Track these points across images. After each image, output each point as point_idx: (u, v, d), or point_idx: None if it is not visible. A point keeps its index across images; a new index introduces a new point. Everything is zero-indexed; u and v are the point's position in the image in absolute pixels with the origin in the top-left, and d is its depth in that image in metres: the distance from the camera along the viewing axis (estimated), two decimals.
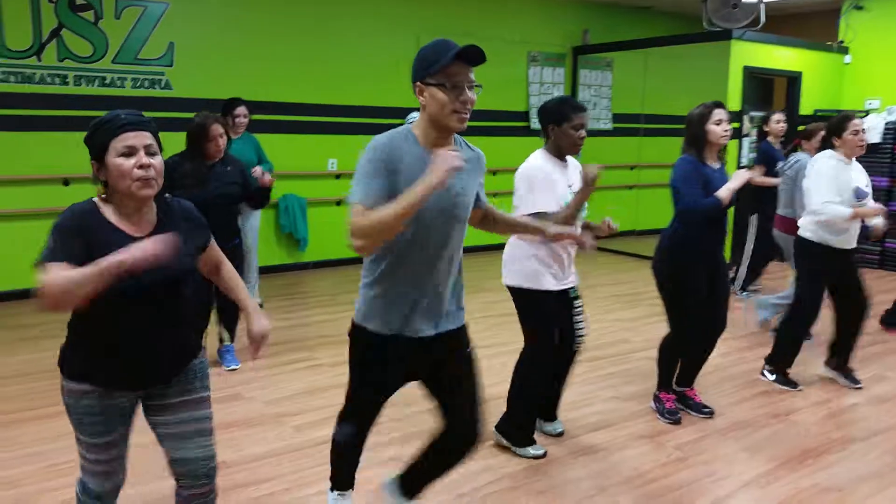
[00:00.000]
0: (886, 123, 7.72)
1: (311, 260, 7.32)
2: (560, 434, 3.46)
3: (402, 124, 6.39)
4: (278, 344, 4.86)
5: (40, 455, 3.18)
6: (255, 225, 5.56)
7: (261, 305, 5.77)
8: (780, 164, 5.46)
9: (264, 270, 6.86)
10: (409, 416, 3.63)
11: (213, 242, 2.13)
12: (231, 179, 4.02)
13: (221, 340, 4.39)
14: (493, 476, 3.07)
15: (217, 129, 3.91)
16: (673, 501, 2.90)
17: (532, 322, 3.17)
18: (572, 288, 3.22)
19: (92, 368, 1.92)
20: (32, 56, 5.75)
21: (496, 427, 3.30)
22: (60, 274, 1.65)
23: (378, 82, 7.37)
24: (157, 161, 1.84)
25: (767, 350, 4.35)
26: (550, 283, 3.10)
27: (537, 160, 3.06)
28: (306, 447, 3.31)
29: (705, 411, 3.73)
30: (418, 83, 2.03)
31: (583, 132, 3.04)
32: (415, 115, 5.76)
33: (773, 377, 4.22)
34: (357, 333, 2.24)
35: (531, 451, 3.25)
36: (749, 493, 2.98)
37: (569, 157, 3.15)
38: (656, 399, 3.75)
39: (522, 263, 3.09)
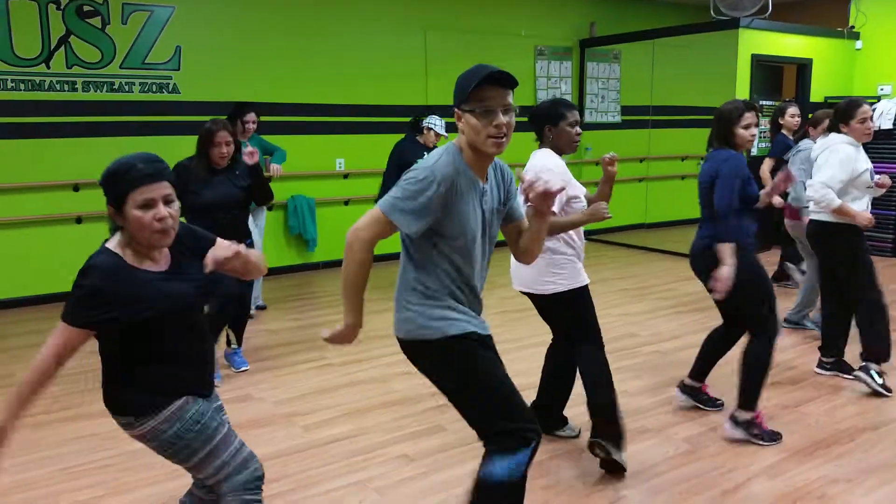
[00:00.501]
0: None
1: (320, 260, 7.36)
2: (577, 435, 3.42)
3: (409, 122, 6.33)
4: (288, 344, 4.90)
5: (57, 458, 3.24)
6: (261, 225, 5.67)
7: (263, 307, 5.83)
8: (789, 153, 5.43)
9: (274, 271, 6.93)
10: (419, 413, 3.65)
11: (217, 246, 2.13)
12: (238, 183, 4.05)
13: (229, 343, 4.42)
14: None
15: (223, 136, 3.94)
16: (679, 494, 2.89)
17: (582, 322, 3.11)
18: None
19: (167, 383, 1.96)
20: (41, 63, 5.82)
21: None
22: (29, 378, 1.88)
23: (385, 80, 7.39)
24: (175, 209, 1.89)
25: (779, 341, 4.32)
26: (586, 277, 3.13)
27: (552, 157, 3.04)
28: (314, 447, 3.34)
29: (718, 404, 3.73)
30: (456, 110, 2.07)
31: (578, 129, 3.07)
32: (432, 119, 5.77)
33: (872, 371, 3.98)
34: (443, 347, 2.09)
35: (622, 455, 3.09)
36: (757, 484, 2.97)
37: None
38: (749, 424, 3.36)
39: (563, 267, 3.05)
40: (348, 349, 4.70)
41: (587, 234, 9.00)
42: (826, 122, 4.85)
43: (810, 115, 6.04)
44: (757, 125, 3.34)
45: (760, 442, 3.32)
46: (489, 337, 2.20)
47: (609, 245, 8.76)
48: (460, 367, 2.10)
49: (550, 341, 3.36)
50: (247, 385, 4.13)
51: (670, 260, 7.67)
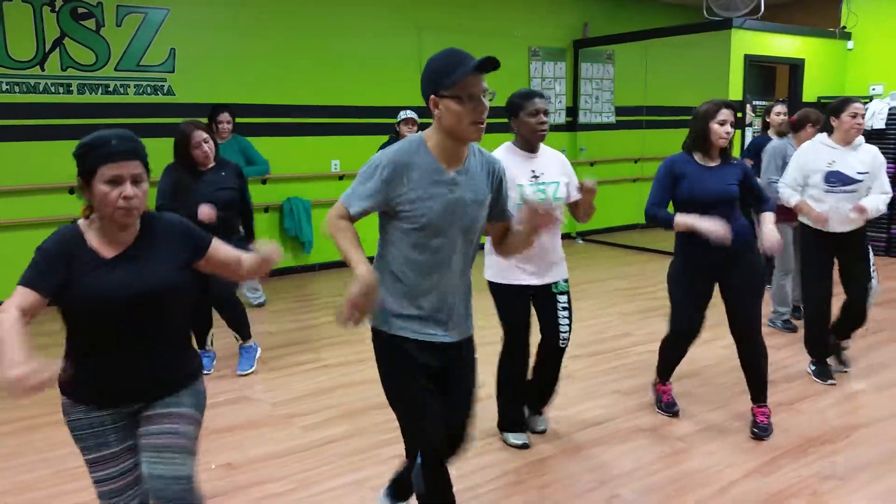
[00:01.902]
0: (890, 109, 7.68)
1: (316, 262, 7.37)
2: (543, 431, 3.47)
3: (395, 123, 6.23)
4: (285, 346, 4.91)
5: (54, 460, 3.24)
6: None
7: (263, 304, 5.89)
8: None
9: (270, 273, 6.91)
10: None
11: (216, 247, 2.05)
12: (224, 185, 4.06)
13: (237, 339, 4.42)
14: (498, 471, 3.11)
15: (199, 134, 3.95)
16: (674, 492, 2.92)
17: (500, 315, 3.23)
18: (556, 283, 3.21)
19: (75, 384, 1.93)
20: (36, 66, 5.82)
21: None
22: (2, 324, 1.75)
23: (380, 82, 7.40)
24: (143, 189, 1.85)
25: (771, 340, 4.35)
26: (522, 278, 3.13)
27: (499, 152, 3.08)
28: (312, 447, 3.36)
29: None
30: (433, 96, 2.02)
31: (541, 117, 3.04)
32: (405, 112, 5.74)
33: (812, 368, 4.21)
34: (374, 338, 2.24)
35: (511, 438, 3.35)
36: (751, 482, 3.00)
37: (546, 149, 3.19)
38: (653, 387, 3.81)
39: (494, 258, 3.11)
40: (344, 351, 4.72)
41: (582, 233, 9.08)
42: (808, 124, 4.94)
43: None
44: (733, 125, 3.34)
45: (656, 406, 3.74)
46: (437, 344, 2.17)
47: (603, 245, 8.80)
48: (381, 369, 2.23)
49: None
50: (244, 387, 4.14)
51: (664, 260, 7.62)
